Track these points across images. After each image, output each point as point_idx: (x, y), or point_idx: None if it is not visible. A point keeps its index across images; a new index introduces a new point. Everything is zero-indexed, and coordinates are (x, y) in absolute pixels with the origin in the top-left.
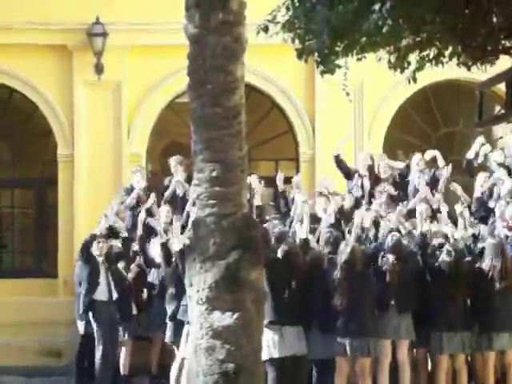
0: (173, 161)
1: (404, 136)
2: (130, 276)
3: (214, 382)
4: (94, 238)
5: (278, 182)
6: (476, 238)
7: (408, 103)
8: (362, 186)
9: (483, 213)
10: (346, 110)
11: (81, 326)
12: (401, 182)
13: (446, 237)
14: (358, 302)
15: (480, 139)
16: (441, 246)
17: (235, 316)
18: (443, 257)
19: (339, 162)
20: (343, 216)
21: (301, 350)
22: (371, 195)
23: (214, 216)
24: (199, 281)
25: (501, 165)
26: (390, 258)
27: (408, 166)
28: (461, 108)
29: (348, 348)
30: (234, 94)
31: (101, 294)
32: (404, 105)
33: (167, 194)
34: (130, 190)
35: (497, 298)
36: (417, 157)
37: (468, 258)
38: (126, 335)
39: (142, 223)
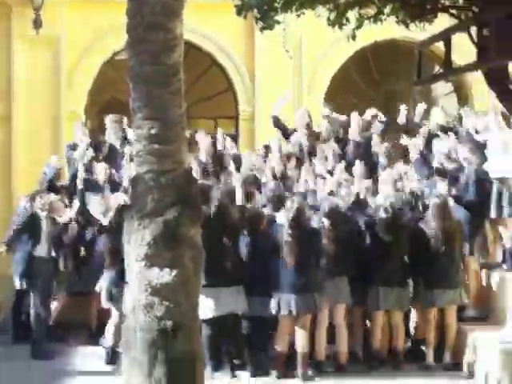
0: (108, 119)
1: (343, 94)
2: (64, 219)
3: (152, 339)
4: (35, 193)
5: (218, 140)
6: (418, 196)
7: (348, 62)
8: (301, 145)
9: (425, 170)
10: (285, 67)
11: (17, 280)
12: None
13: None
14: (304, 260)
15: (403, 107)
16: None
17: (174, 273)
18: (380, 214)
19: (277, 123)
20: (286, 178)
21: (238, 308)
22: (310, 154)
23: (153, 173)
24: (137, 238)
25: (441, 127)
26: (326, 222)
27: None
28: (400, 67)
29: (293, 305)
30: (174, 52)
31: (40, 250)
32: (344, 63)
33: (104, 151)
34: (72, 147)
35: (440, 257)
36: (355, 115)
37: (408, 216)
38: (62, 290)
39: (82, 179)
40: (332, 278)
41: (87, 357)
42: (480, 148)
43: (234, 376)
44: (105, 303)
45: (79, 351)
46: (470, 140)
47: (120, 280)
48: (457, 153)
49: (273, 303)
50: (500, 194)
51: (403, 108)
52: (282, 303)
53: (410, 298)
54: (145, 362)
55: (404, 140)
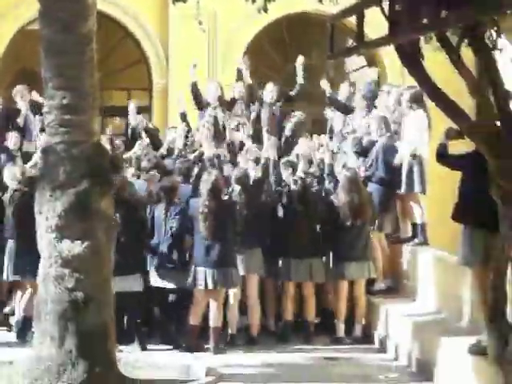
0: (16, 90)
1: (257, 67)
2: None
3: (62, 310)
4: None
5: (130, 112)
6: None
7: (262, 34)
8: (216, 118)
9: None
10: (199, 39)
11: None
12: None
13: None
14: (221, 233)
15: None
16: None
17: (85, 244)
18: (291, 186)
19: (195, 89)
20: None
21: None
22: (225, 126)
23: (65, 144)
24: (49, 209)
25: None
26: (236, 188)
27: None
28: (313, 41)
29: (210, 279)
30: (86, 21)
31: None
32: (258, 35)
33: (20, 121)
34: None
35: (348, 230)
36: (270, 87)
37: (317, 187)
38: None
39: None
40: (246, 248)
41: None
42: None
43: (144, 349)
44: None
45: None
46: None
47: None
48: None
49: (189, 276)
50: (411, 170)
51: (324, 82)
52: (198, 277)
53: (322, 269)
54: (55, 334)
55: (329, 113)
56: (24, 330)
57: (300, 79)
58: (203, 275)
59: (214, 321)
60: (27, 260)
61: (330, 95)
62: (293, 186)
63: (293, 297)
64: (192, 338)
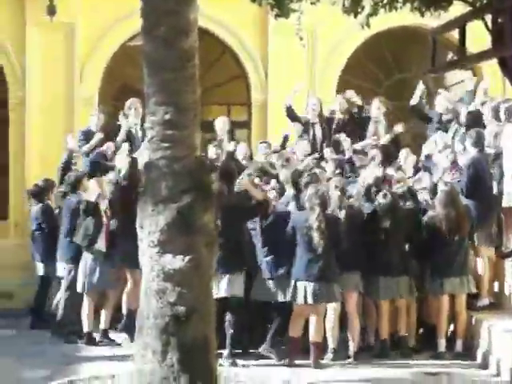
0: (130, 103)
1: (356, 82)
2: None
3: (164, 325)
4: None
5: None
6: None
7: (361, 49)
8: (314, 135)
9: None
10: (298, 54)
11: (40, 267)
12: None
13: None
14: (328, 248)
15: (420, 85)
16: (379, 191)
17: (187, 259)
18: (379, 200)
19: (290, 113)
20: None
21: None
22: (323, 141)
23: (166, 159)
24: (151, 223)
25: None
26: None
27: (363, 108)
28: (413, 54)
29: (310, 294)
30: (188, 37)
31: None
32: (357, 50)
33: (120, 137)
34: (87, 133)
35: (447, 245)
36: (377, 101)
37: (409, 203)
38: None
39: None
40: (346, 270)
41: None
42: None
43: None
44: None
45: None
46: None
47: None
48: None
49: (290, 290)
50: None
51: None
52: (299, 291)
53: (411, 286)
54: (158, 348)
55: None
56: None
57: (414, 100)
58: (303, 289)
59: (315, 335)
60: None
61: (416, 104)
62: (381, 200)
63: (388, 314)
64: (293, 351)
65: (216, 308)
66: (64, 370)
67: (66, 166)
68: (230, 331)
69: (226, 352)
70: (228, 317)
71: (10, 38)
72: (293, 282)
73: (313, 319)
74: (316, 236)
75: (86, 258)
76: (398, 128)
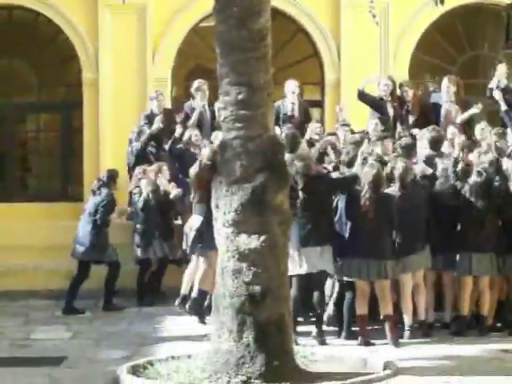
0: (195, 85)
1: (429, 59)
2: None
3: (240, 304)
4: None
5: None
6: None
7: (434, 26)
8: (387, 114)
9: None
10: (371, 33)
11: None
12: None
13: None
14: (382, 225)
15: (502, 67)
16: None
17: (262, 239)
18: (474, 178)
19: (362, 96)
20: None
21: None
22: (396, 120)
23: (240, 139)
24: (225, 203)
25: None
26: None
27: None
28: (486, 31)
29: (365, 271)
30: (260, 17)
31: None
32: (429, 28)
33: (193, 118)
34: (150, 117)
35: None
36: (446, 80)
37: (497, 180)
38: None
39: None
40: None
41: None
42: None
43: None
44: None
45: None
46: None
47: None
48: None
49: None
50: None
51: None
52: (354, 268)
53: (498, 263)
54: (234, 327)
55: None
56: (199, 305)
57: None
58: (358, 266)
59: (383, 309)
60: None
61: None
62: (476, 179)
63: (471, 291)
64: (362, 327)
65: (300, 284)
66: (141, 351)
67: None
68: (320, 308)
69: (315, 331)
70: (317, 293)
71: (82, 21)
72: (349, 258)
73: (379, 295)
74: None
75: None
76: (475, 109)
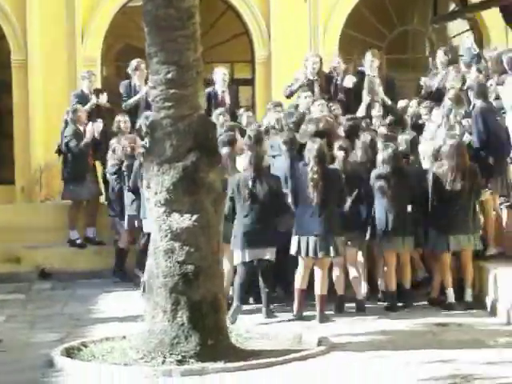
0: (133, 64)
1: (359, 35)
2: None
3: (173, 284)
4: None
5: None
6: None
7: (362, 2)
8: (313, 92)
9: None
10: (300, 10)
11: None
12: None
13: None
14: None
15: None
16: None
17: (194, 217)
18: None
19: (291, 94)
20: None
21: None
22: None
23: (170, 118)
24: (157, 183)
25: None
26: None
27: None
28: (415, 6)
29: (312, 248)
30: None
31: None
32: (359, 4)
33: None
34: (80, 96)
35: (454, 201)
36: (369, 54)
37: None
38: None
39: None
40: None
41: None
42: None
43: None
44: None
45: None
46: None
47: None
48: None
49: (293, 243)
50: None
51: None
52: (301, 245)
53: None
54: (167, 307)
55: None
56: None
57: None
58: (305, 243)
59: (320, 288)
60: None
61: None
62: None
63: (394, 267)
64: (298, 301)
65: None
66: (75, 333)
67: None
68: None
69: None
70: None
71: (10, 2)
72: (296, 236)
73: (317, 272)
74: (311, 189)
75: None
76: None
